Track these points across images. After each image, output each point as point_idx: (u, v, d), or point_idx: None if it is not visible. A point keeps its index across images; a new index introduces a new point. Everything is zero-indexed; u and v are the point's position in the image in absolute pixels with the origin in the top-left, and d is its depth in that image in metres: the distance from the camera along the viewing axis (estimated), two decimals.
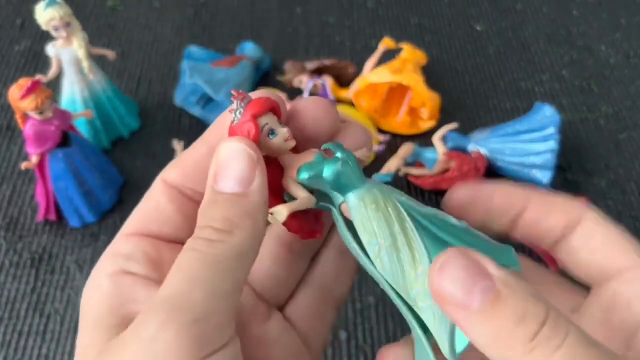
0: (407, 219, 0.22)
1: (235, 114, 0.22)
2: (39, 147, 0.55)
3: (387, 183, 0.70)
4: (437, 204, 0.63)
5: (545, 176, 0.61)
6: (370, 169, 0.64)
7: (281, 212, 0.22)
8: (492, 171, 0.63)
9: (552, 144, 0.61)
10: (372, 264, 0.22)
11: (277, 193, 0.23)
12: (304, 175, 0.22)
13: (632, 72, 0.77)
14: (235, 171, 0.21)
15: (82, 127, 0.63)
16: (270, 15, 0.84)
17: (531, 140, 0.62)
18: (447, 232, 0.22)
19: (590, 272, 0.24)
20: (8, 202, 0.62)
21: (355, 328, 0.54)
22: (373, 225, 0.22)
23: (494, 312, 0.17)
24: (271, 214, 0.22)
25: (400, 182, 0.64)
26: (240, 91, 0.23)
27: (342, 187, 0.22)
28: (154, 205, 0.23)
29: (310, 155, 0.23)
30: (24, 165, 0.56)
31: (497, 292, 0.17)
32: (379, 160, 0.65)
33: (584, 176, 0.66)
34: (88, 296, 0.22)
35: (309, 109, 0.24)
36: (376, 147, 0.66)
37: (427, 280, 0.20)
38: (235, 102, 0.22)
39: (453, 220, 0.22)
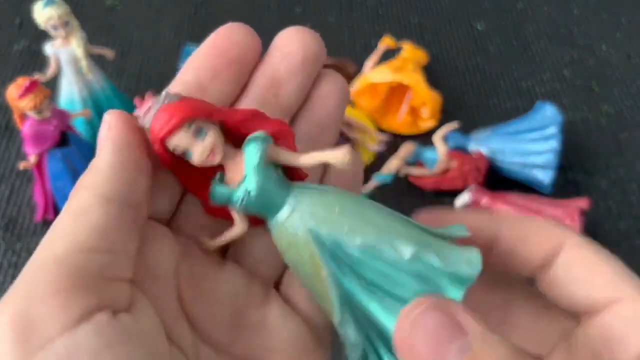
0: (319, 257, 0.20)
1: (146, 116, 0.21)
2: (37, 147, 0.54)
3: (387, 183, 0.69)
4: (437, 204, 0.63)
5: (547, 176, 0.60)
6: (370, 169, 0.63)
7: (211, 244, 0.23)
8: (493, 171, 0.63)
9: (554, 144, 0.60)
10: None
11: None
12: (215, 202, 0.21)
13: (633, 71, 0.77)
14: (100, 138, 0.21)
15: (80, 127, 0.63)
16: (270, 15, 0.83)
17: (532, 140, 0.62)
18: (389, 264, 0.20)
19: (576, 305, 0.22)
20: (7, 202, 0.62)
21: None
22: (287, 257, 0.21)
23: None
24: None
25: (401, 183, 0.64)
26: (144, 100, 0.21)
27: (260, 210, 0.21)
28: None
29: (242, 164, 0.21)
30: (22, 165, 0.56)
31: (474, 354, 0.16)
32: (379, 160, 0.65)
33: (584, 176, 0.66)
34: None
35: (282, 44, 0.23)
36: (376, 147, 0.66)
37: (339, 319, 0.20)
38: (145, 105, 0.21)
39: (391, 255, 0.20)
